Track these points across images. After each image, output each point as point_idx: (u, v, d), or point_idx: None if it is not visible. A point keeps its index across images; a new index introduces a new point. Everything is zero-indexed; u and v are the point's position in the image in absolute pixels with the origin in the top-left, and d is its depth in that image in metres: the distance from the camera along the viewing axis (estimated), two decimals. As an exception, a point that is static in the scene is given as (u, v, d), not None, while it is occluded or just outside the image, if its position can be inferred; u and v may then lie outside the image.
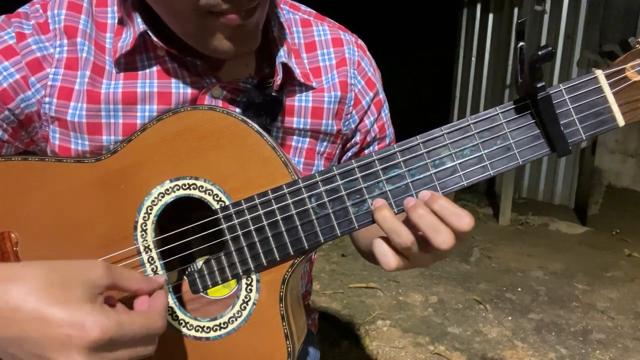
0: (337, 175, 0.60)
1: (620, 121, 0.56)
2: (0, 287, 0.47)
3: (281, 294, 0.63)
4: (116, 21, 0.72)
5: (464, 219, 0.55)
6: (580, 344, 2.14)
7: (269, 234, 0.61)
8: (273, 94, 0.73)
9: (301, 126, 0.78)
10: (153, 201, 0.64)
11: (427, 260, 0.60)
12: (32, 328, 0.46)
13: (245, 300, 0.64)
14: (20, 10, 0.71)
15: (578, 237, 3.50)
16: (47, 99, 0.69)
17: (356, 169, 0.60)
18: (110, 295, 0.55)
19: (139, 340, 0.50)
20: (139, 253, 0.64)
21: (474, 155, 0.59)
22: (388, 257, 0.57)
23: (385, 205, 0.58)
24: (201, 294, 0.69)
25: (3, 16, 0.71)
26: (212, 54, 0.67)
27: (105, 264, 0.53)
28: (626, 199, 3.47)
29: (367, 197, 0.60)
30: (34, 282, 0.47)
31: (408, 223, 0.57)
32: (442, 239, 0.54)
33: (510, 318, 2.35)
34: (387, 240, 0.57)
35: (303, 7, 0.85)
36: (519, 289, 2.64)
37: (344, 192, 0.60)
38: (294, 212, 0.61)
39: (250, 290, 0.63)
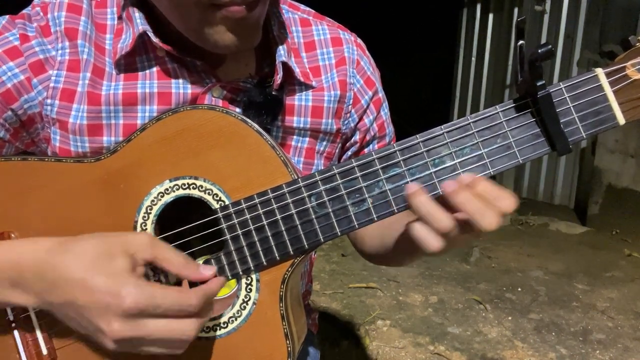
0: (337, 175, 0.60)
1: (621, 119, 0.56)
2: (56, 259, 0.55)
3: (281, 293, 0.63)
4: (116, 22, 0.72)
5: (506, 201, 0.55)
6: (580, 344, 2.14)
7: (269, 234, 0.61)
8: (273, 92, 0.73)
9: (301, 125, 0.78)
10: (153, 201, 0.64)
11: (465, 241, 0.59)
12: (79, 295, 0.53)
13: (245, 299, 0.63)
14: (24, 11, 0.72)
15: (578, 237, 3.50)
16: (49, 101, 0.69)
17: (356, 168, 0.60)
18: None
19: (172, 314, 0.54)
20: (139, 253, 0.64)
21: (474, 154, 0.58)
22: (430, 240, 0.56)
23: (421, 190, 0.57)
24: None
25: (7, 17, 0.71)
26: (213, 49, 0.67)
27: (151, 238, 0.57)
28: (626, 199, 3.47)
29: (366, 196, 0.60)
30: (83, 254, 0.54)
31: (444, 206, 0.57)
32: (489, 221, 0.54)
33: (510, 318, 2.34)
34: (422, 223, 0.57)
35: (302, 6, 0.85)
36: (519, 289, 2.64)
37: (343, 192, 0.60)
38: (293, 211, 0.61)
39: (250, 289, 0.63)
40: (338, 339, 2.15)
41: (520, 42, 0.54)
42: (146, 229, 0.64)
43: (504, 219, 0.57)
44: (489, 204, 0.55)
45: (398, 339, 2.17)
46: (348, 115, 0.83)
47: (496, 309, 2.43)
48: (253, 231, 0.62)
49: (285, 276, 0.62)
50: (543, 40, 4.15)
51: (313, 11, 0.86)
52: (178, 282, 0.69)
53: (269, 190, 0.61)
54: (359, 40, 0.87)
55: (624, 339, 2.18)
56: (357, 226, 0.60)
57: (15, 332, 0.64)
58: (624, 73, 0.55)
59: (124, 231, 0.64)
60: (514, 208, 0.55)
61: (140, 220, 0.64)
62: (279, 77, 0.73)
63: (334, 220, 0.60)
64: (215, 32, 0.64)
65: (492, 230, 0.55)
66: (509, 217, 3.78)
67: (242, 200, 0.62)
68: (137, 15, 0.69)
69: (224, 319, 0.64)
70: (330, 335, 2.17)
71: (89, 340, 0.61)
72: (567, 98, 0.57)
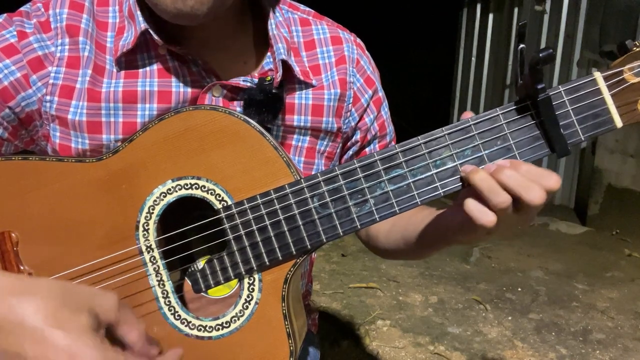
0: (340, 175, 0.61)
1: (618, 122, 0.57)
2: (12, 300, 0.47)
3: (283, 293, 0.63)
4: (117, 20, 0.72)
5: (551, 178, 0.55)
6: (580, 344, 2.14)
7: (272, 234, 0.62)
8: (273, 90, 0.74)
9: (302, 124, 0.79)
10: (155, 201, 0.64)
11: (514, 225, 0.59)
12: (31, 347, 0.45)
13: (248, 299, 0.64)
14: (22, 9, 0.72)
15: (578, 237, 3.50)
16: (48, 97, 0.69)
17: (358, 169, 0.60)
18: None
19: None
20: (141, 253, 0.65)
21: (475, 156, 0.59)
22: (486, 214, 0.55)
23: (477, 168, 0.57)
24: (203, 293, 0.69)
25: (5, 15, 0.71)
26: (163, 15, 0.65)
27: (118, 300, 0.52)
28: (626, 199, 3.47)
29: (369, 197, 0.60)
30: (45, 301, 0.47)
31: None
32: (534, 194, 0.54)
33: (510, 318, 2.35)
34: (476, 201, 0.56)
35: (302, 6, 0.86)
36: (519, 289, 2.64)
37: (346, 192, 0.60)
38: (296, 211, 0.61)
39: (253, 289, 0.64)
40: (338, 339, 2.15)
41: (521, 46, 0.54)
42: (148, 229, 0.64)
43: (550, 196, 0.57)
44: (534, 180, 0.55)
45: (398, 339, 2.17)
46: (348, 114, 0.83)
47: (496, 309, 2.43)
48: (256, 231, 0.62)
49: (288, 276, 0.63)
50: (543, 40, 4.15)
51: (313, 11, 0.86)
52: (179, 286, 0.69)
53: (271, 191, 0.62)
54: (359, 40, 0.87)
55: (624, 339, 2.18)
56: (359, 227, 0.61)
57: None
58: (621, 77, 0.56)
59: (125, 232, 0.64)
60: (558, 186, 0.55)
61: (142, 221, 0.64)
62: (278, 75, 0.73)
63: (336, 220, 0.61)
64: None
65: (539, 204, 0.55)
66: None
67: (244, 201, 0.62)
68: (139, 13, 0.69)
69: (227, 318, 0.64)
70: (330, 335, 2.17)
71: None
72: (566, 101, 0.57)
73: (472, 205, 0.56)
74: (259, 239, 0.62)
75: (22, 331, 0.46)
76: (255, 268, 0.63)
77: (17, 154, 0.72)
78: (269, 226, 0.62)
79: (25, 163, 0.65)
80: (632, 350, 2.10)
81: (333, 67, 0.81)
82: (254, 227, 0.62)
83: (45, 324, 0.46)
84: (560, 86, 0.57)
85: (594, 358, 2.05)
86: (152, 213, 0.64)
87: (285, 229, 0.62)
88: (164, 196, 0.64)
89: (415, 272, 2.80)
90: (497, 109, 0.59)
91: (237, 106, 0.74)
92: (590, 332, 2.23)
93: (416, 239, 0.74)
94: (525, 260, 3.06)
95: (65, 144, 0.72)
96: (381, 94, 0.88)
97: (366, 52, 0.87)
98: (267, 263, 0.62)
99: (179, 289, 0.69)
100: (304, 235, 0.61)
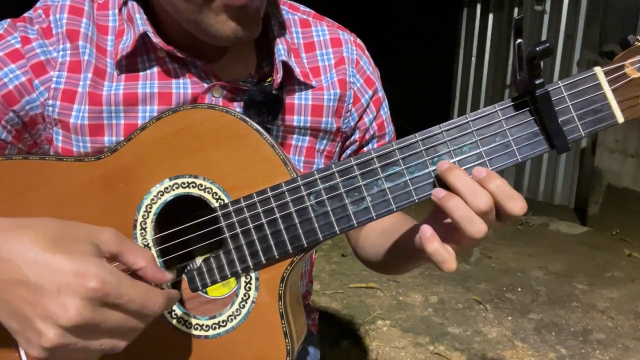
0: (336, 173, 0.60)
1: (620, 118, 0.56)
2: (7, 233, 0.48)
3: (280, 292, 0.63)
4: (117, 23, 0.73)
5: (517, 203, 0.54)
6: (580, 344, 2.13)
7: (268, 232, 0.61)
8: (273, 91, 0.73)
9: (301, 124, 0.79)
10: (152, 199, 0.64)
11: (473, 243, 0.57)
12: (34, 272, 0.46)
13: (244, 298, 0.64)
14: (25, 15, 0.73)
15: (578, 237, 3.49)
16: (50, 102, 0.70)
17: (355, 166, 0.60)
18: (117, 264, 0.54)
19: (133, 311, 0.49)
20: (138, 251, 0.64)
21: (473, 153, 0.58)
22: (450, 263, 0.55)
23: (455, 165, 0.57)
24: (200, 292, 0.69)
25: (9, 20, 0.72)
26: (214, 41, 0.67)
27: (115, 231, 0.53)
28: (626, 199, 3.47)
29: (365, 194, 0.60)
30: (42, 231, 0.48)
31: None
32: (516, 204, 0.54)
33: (510, 318, 2.34)
34: (438, 245, 0.56)
35: (302, 7, 0.86)
36: (519, 289, 2.64)
37: (342, 190, 0.60)
38: (292, 210, 0.61)
39: (249, 288, 0.63)
40: (338, 339, 2.15)
41: (519, 40, 0.54)
42: (146, 227, 0.64)
43: (507, 221, 0.56)
44: (497, 203, 0.54)
45: (398, 339, 2.17)
46: (348, 114, 0.83)
47: (496, 309, 2.43)
48: (252, 230, 0.62)
49: (284, 275, 0.62)
50: (543, 41, 4.15)
51: (313, 12, 0.86)
52: (176, 285, 0.69)
53: (268, 189, 0.61)
54: (359, 40, 0.87)
55: (624, 339, 2.18)
56: (356, 225, 0.60)
57: None
58: (622, 72, 0.55)
59: (123, 231, 0.64)
60: (523, 211, 0.54)
61: (140, 219, 0.64)
62: (279, 76, 0.73)
63: (332, 218, 0.60)
64: (216, 21, 0.64)
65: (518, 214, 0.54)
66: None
67: (241, 199, 0.62)
68: (138, 16, 0.70)
69: (223, 317, 0.64)
70: (330, 335, 2.17)
71: None
72: (566, 96, 0.57)
73: (436, 255, 0.56)
74: (255, 238, 0.62)
75: (20, 259, 0.46)
76: (251, 266, 0.63)
77: (17, 153, 0.73)
78: (265, 224, 0.61)
79: (25, 162, 0.65)
80: (632, 350, 2.10)
81: (332, 69, 0.81)
82: (251, 225, 0.62)
83: (44, 250, 0.46)
84: (559, 81, 0.57)
85: (594, 358, 2.04)
86: (150, 212, 0.64)
87: (282, 227, 0.61)
88: (162, 195, 0.64)
89: (415, 272, 2.79)
90: (496, 105, 0.58)
91: (237, 107, 0.74)
92: (590, 332, 2.23)
93: (397, 250, 0.74)
94: (525, 260, 3.05)
95: (67, 148, 0.72)
96: (381, 94, 0.88)
97: (366, 52, 0.87)
98: (264, 261, 0.62)
99: (176, 288, 0.69)
100: (300, 233, 0.61)
